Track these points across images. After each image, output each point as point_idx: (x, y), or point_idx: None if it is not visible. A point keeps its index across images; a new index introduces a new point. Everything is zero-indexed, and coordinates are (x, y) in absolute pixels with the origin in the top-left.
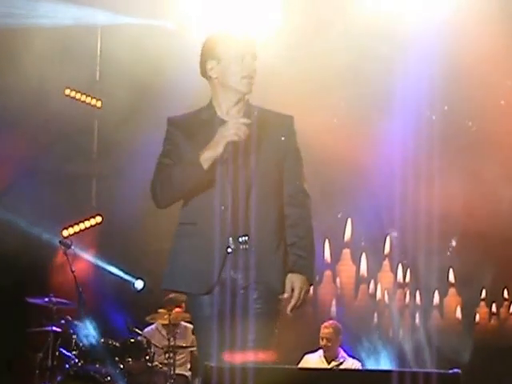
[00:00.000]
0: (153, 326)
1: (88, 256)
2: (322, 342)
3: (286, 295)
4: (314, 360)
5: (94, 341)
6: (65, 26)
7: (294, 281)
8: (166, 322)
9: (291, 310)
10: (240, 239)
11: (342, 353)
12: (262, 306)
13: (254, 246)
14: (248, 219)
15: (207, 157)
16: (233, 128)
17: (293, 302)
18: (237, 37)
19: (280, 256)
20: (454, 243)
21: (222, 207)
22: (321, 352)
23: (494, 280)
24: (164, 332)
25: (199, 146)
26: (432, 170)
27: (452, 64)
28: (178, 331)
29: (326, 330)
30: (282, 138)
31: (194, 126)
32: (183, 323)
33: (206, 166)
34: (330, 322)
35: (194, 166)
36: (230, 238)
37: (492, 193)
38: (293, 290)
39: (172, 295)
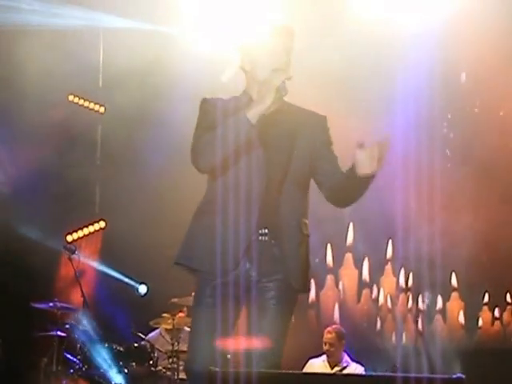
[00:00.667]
0: (157, 331)
1: (92, 261)
2: (325, 347)
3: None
4: (318, 364)
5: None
6: (67, 26)
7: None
8: (170, 326)
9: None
10: (260, 231)
11: (345, 357)
12: (276, 303)
13: (274, 240)
14: (274, 211)
15: (255, 111)
16: (275, 75)
17: (369, 152)
18: (269, 30)
19: (301, 254)
20: (456, 247)
21: (252, 194)
22: (324, 357)
23: (497, 284)
24: (167, 337)
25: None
26: (435, 174)
27: (452, 69)
28: (182, 336)
29: (328, 334)
30: (316, 137)
31: (231, 110)
32: (186, 328)
33: (254, 120)
34: (334, 326)
35: (241, 122)
36: (252, 228)
37: (495, 196)
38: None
39: (175, 299)
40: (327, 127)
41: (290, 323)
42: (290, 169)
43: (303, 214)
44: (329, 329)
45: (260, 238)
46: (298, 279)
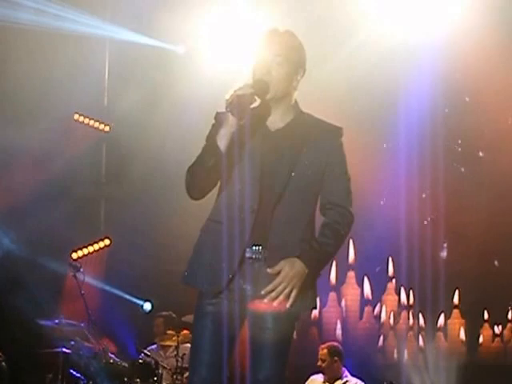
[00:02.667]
0: (153, 347)
1: (96, 278)
2: (318, 363)
3: (269, 287)
4: (319, 380)
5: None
6: (73, 31)
7: (285, 264)
8: (175, 343)
9: (265, 293)
10: (253, 248)
11: (345, 373)
12: (272, 322)
13: (268, 258)
14: (267, 228)
15: (221, 134)
16: (232, 93)
17: (269, 287)
18: (260, 35)
19: None
20: (458, 265)
21: (250, 211)
22: None
23: (498, 301)
24: (162, 353)
25: (241, 150)
26: (436, 192)
27: (456, 83)
28: (186, 353)
29: (321, 351)
30: (324, 153)
31: (239, 128)
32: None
33: (222, 144)
34: (327, 343)
35: (210, 147)
36: (244, 246)
37: (497, 210)
38: (278, 273)
39: (164, 312)
40: (339, 142)
41: (291, 343)
42: (289, 185)
43: (305, 231)
44: (322, 346)
45: (253, 255)
46: (294, 300)
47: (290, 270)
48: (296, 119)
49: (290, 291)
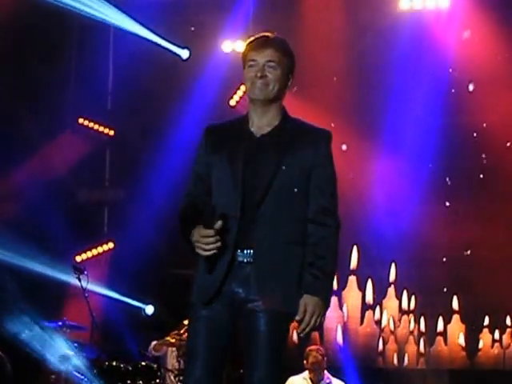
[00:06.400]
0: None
1: (100, 281)
2: (311, 366)
3: (297, 317)
4: (300, 381)
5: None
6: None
7: (307, 303)
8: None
9: (300, 334)
10: (244, 252)
11: (327, 374)
12: (264, 325)
13: (258, 260)
14: (251, 231)
15: (193, 240)
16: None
17: (302, 325)
18: (252, 40)
19: (290, 273)
20: (457, 270)
21: (233, 219)
22: (306, 374)
23: (498, 307)
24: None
25: (224, 158)
26: (438, 199)
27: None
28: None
29: (317, 354)
30: (309, 156)
31: (225, 138)
32: None
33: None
34: (317, 347)
35: (184, 237)
36: (238, 250)
37: (498, 220)
38: (305, 313)
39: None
40: (326, 145)
41: (285, 344)
42: (272, 187)
43: (293, 234)
44: (318, 348)
45: (244, 259)
46: (282, 299)
47: (310, 306)
48: (282, 123)
49: (317, 322)
